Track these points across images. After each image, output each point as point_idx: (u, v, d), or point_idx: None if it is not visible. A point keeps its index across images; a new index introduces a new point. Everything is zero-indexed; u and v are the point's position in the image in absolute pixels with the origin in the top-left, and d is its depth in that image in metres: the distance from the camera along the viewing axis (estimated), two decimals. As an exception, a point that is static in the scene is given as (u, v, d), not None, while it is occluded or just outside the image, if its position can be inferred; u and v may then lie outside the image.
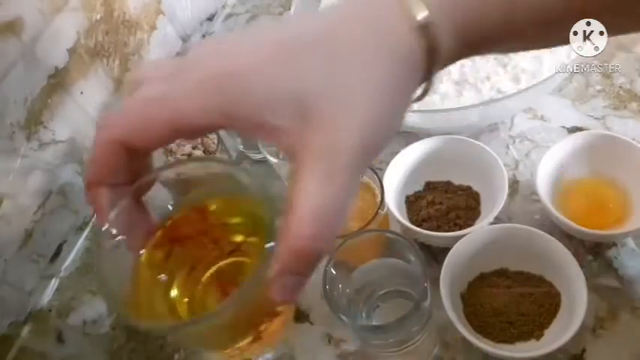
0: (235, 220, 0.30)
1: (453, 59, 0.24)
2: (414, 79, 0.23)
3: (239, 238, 0.29)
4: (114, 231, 0.25)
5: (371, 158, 0.22)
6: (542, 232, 0.47)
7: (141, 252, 0.27)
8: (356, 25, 0.22)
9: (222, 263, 0.29)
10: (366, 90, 0.21)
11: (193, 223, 0.29)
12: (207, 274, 0.29)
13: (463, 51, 0.24)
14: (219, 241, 0.29)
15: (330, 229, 0.20)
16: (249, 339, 0.30)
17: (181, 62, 0.23)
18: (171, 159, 0.57)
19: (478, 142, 0.53)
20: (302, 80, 0.21)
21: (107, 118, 0.23)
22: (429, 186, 0.56)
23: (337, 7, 0.23)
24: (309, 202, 0.20)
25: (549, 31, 0.24)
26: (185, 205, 0.29)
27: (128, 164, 0.23)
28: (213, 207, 0.29)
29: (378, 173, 0.47)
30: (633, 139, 0.51)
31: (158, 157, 0.57)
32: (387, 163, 0.54)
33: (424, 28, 0.21)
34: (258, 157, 0.67)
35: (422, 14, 0.21)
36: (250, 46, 0.21)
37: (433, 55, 0.22)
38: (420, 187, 0.57)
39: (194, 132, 0.23)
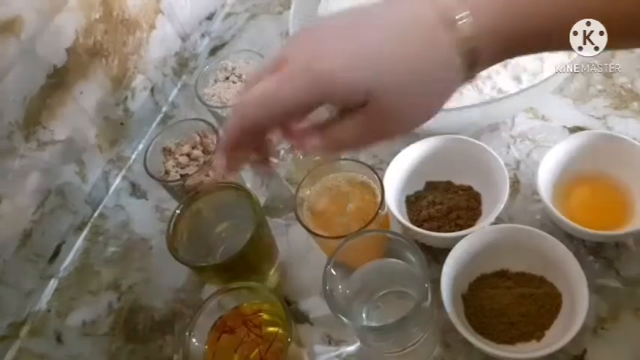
0: (266, 316, 0.45)
1: (492, 64, 0.30)
2: (456, 83, 0.30)
3: (271, 329, 0.44)
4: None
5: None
6: (543, 233, 0.46)
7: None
8: (410, 40, 0.29)
9: (261, 347, 0.44)
10: (416, 92, 0.30)
11: (234, 319, 0.45)
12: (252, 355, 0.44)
13: (502, 57, 0.30)
14: (253, 330, 0.44)
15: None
16: None
17: (279, 61, 0.31)
18: (169, 158, 0.57)
19: (479, 142, 0.53)
20: (371, 79, 0.29)
21: (236, 108, 0.32)
22: (430, 186, 0.56)
23: (394, 19, 0.30)
24: (345, 134, 0.32)
25: None
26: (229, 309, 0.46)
27: (250, 139, 0.33)
28: (248, 310, 0.45)
29: (378, 173, 0.47)
30: (634, 139, 0.51)
31: (157, 157, 0.57)
32: (387, 163, 0.54)
33: (469, 42, 0.28)
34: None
35: (465, 32, 0.28)
36: (336, 48, 0.30)
37: (473, 66, 0.29)
38: (420, 187, 0.56)
39: (296, 112, 0.31)
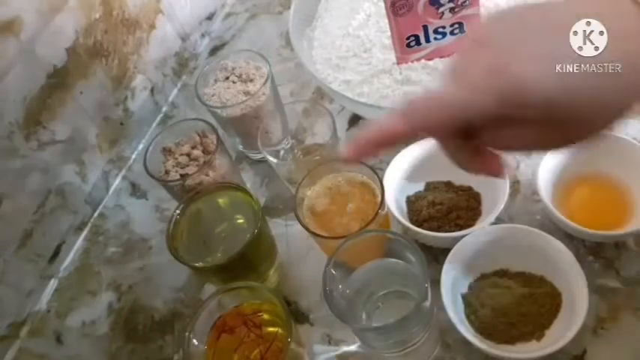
0: (266, 316, 0.45)
1: None
2: None
3: (271, 329, 0.44)
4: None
5: None
6: (543, 233, 0.46)
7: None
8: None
9: (261, 347, 0.44)
10: (605, 99, 0.28)
11: (234, 318, 0.45)
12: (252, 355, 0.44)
13: None
14: (254, 329, 0.44)
15: None
16: None
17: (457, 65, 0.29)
18: (169, 158, 0.57)
19: (479, 142, 0.53)
20: (561, 86, 0.27)
21: (409, 108, 0.29)
22: (430, 186, 0.56)
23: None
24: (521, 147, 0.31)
25: None
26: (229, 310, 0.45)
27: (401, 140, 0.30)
28: (248, 309, 0.45)
29: (379, 173, 0.47)
30: (634, 139, 0.51)
31: (157, 157, 0.57)
32: (388, 163, 0.54)
33: None
34: (257, 157, 0.67)
35: None
36: (523, 51, 0.27)
37: None
38: (420, 187, 0.56)
39: (475, 124, 0.29)
